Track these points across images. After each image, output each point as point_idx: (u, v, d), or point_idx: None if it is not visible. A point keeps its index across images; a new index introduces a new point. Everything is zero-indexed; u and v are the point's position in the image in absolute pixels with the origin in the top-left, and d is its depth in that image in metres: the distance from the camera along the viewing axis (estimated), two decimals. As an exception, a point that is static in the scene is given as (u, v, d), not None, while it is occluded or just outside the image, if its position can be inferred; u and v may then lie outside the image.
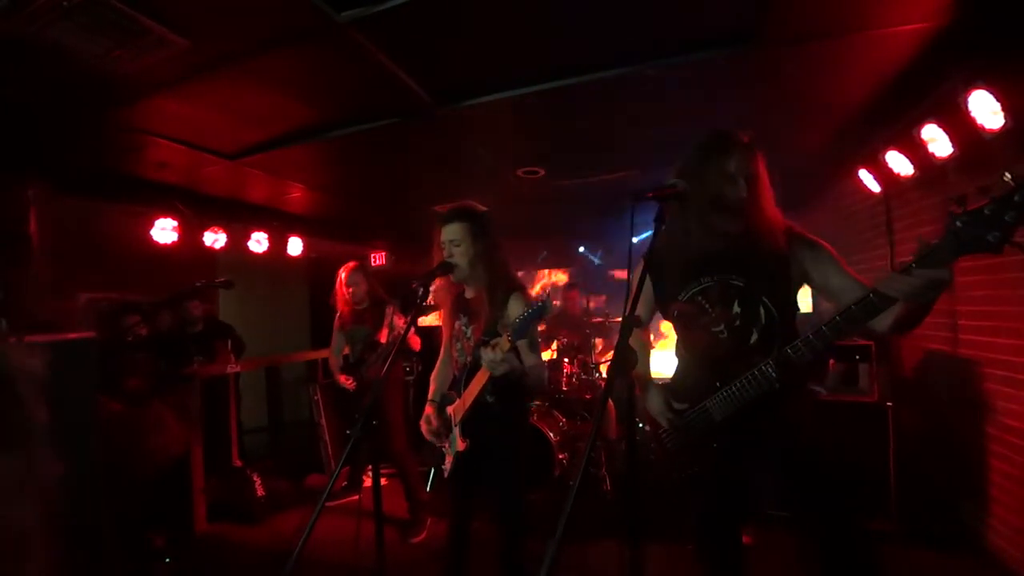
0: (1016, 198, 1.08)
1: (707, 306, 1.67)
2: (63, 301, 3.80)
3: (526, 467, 2.19)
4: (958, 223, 1.16)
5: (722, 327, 1.65)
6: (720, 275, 1.65)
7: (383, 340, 3.77)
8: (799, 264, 1.60)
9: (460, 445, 2.06)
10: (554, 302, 6.04)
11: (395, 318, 3.80)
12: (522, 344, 1.96)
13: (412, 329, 3.75)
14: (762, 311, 1.60)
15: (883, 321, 1.41)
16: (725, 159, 1.60)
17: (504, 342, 1.78)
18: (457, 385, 2.14)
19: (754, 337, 1.61)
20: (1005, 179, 1.10)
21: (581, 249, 6.59)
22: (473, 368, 2.02)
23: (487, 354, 1.80)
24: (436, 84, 2.49)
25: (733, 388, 1.58)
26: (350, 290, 3.75)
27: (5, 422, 0.70)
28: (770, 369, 1.51)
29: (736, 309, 1.63)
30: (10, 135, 2.73)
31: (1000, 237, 1.12)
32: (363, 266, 3.86)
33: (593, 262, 6.58)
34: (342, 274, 3.78)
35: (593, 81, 2.43)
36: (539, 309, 1.75)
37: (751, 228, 1.59)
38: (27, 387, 0.75)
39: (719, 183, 1.57)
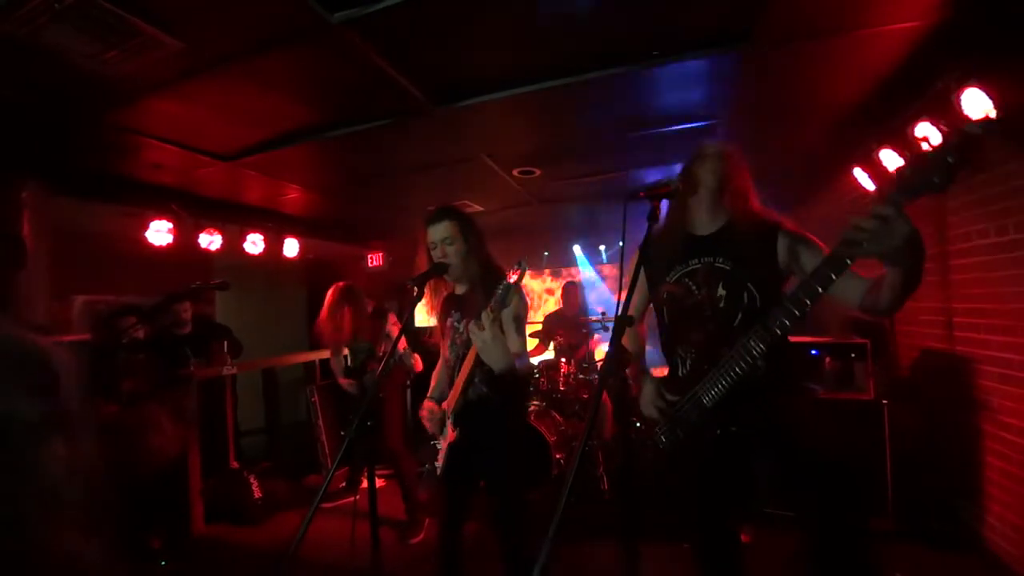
0: (954, 141, 1.19)
1: (693, 287, 1.72)
2: (57, 303, 3.79)
3: (523, 466, 2.19)
4: (906, 172, 1.26)
5: (708, 309, 1.69)
6: (708, 257, 1.72)
7: (383, 352, 3.79)
8: (784, 255, 1.65)
9: (451, 436, 2.06)
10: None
11: (390, 326, 3.81)
12: (508, 326, 1.96)
13: (415, 354, 3.78)
14: (745, 294, 1.65)
15: (855, 294, 1.50)
16: (698, 164, 1.76)
17: (487, 315, 1.79)
18: (450, 379, 2.14)
19: (738, 319, 1.65)
20: (943, 128, 1.24)
21: (577, 248, 6.59)
22: (463, 358, 2.03)
23: (476, 332, 1.81)
24: (431, 84, 2.49)
25: (720, 369, 1.60)
26: (329, 323, 3.75)
27: (60, 411, 0.74)
28: (752, 342, 1.52)
29: (721, 291, 1.68)
30: (3, 136, 2.72)
31: (944, 178, 1.21)
32: (348, 290, 3.83)
33: (600, 259, 6.57)
34: (328, 300, 3.79)
35: (589, 81, 2.43)
36: (515, 280, 1.80)
37: (738, 218, 1.71)
38: (68, 379, 0.77)
39: (699, 182, 1.73)
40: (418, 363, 3.93)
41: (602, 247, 6.68)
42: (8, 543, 0.65)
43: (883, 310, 1.46)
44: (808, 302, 1.44)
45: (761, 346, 1.51)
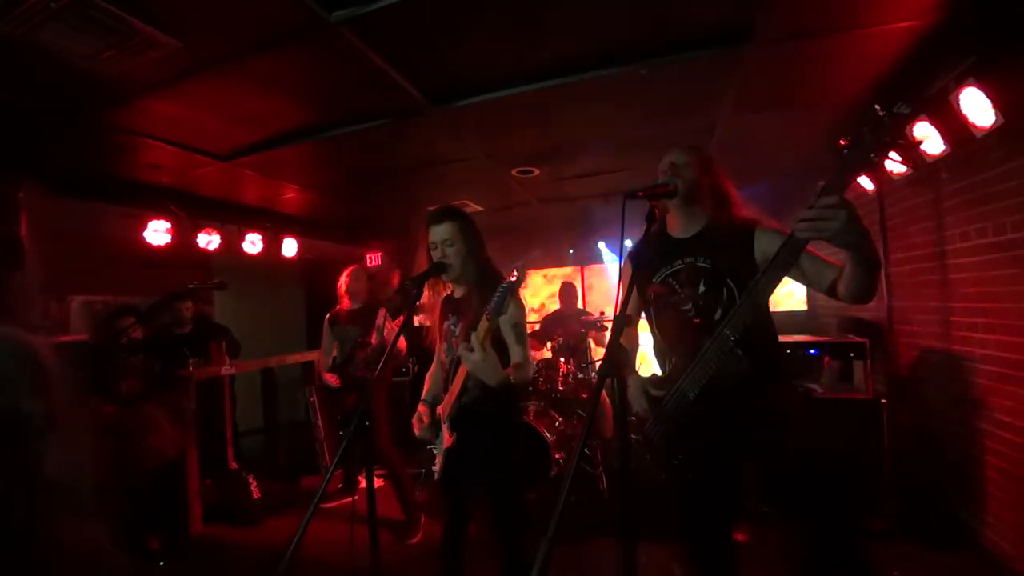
0: (886, 120, 1.28)
1: (677, 286, 1.79)
2: (55, 304, 3.78)
3: (520, 467, 2.19)
4: (845, 151, 1.34)
5: (690, 306, 1.75)
6: (690, 258, 1.79)
7: (372, 342, 3.78)
8: (761, 251, 1.68)
9: (447, 441, 2.05)
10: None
11: (386, 323, 3.81)
12: (508, 335, 1.96)
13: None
14: (725, 291, 1.70)
15: (826, 281, 1.55)
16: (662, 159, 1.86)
17: (483, 323, 1.78)
18: (446, 383, 2.14)
19: (718, 315, 1.69)
20: (876, 110, 1.29)
21: (601, 244, 6.50)
22: (458, 362, 2.02)
23: (465, 355, 1.81)
24: (429, 84, 2.49)
25: (701, 361, 1.64)
26: (347, 283, 3.87)
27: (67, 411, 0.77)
28: (727, 330, 1.56)
29: (701, 288, 1.74)
30: (1, 136, 2.71)
31: (878, 153, 1.32)
32: (364, 267, 3.99)
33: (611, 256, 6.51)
34: (345, 274, 3.91)
35: (588, 80, 2.43)
36: (511, 284, 1.77)
37: (716, 219, 1.80)
38: (61, 376, 0.80)
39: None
40: (402, 344, 3.95)
41: (571, 250, 6.70)
42: (16, 533, 0.66)
43: (853, 293, 1.49)
44: (772, 285, 1.51)
45: (735, 335, 1.55)
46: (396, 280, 3.95)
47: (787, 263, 1.46)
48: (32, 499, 0.70)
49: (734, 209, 1.81)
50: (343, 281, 3.92)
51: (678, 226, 1.86)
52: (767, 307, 1.71)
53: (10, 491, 0.65)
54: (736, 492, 1.79)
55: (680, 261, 1.80)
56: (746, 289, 1.58)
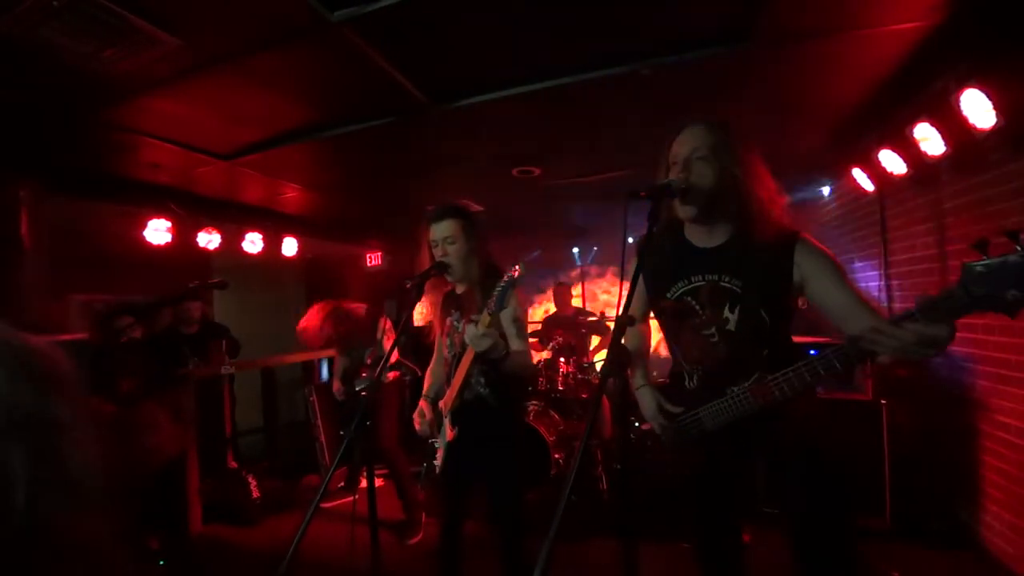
0: None
1: (697, 307, 1.57)
2: (55, 303, 3.78)
3: (522, 465, 2.19)
4: (973, 272, 1.03)
5: (712, 331, 1.55)
6: (712, 275, 1.54)
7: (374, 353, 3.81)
8: (799, 272, 1.47)
9: (449, 435, 2.06)
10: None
11: (386, 334, 3.80)
12: (509, 329, 1.95)
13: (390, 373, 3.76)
14: (755, 317, 1.49)
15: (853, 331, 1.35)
16: (671, 143, 1.59)
17: (484, 316, 1.78)
18: (448, 378, 2.14)
19: (747, 344, 1.52)
20: None
21: (575, 250, 6.61)
22: (460, 357, 2.03)
23: (469, 329, 1.80)
24: (431, 83, 2.49)
25: (723, 403, 1.52)
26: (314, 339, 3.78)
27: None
28: (759, 401, 1.45)
29: (727, 313, 1.51)
30: (1, 136, 2.71)
31: (1020, 296, 0.96)
32: (334, 311, 3.80)
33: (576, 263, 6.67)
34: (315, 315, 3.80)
35: (589, 80, 2.43)
36: (513, 279, 1.77)
37: (748, 228, 1.50)
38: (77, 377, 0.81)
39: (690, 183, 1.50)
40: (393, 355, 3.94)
41: (592, 251, 6.76)
42: (35, 530, 0.67)
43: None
44: (821, 378, 1.35)
45: (757, 399, 1.44)
46: (361, 312, 3.83)
47: (851, 360, 1.27)
48: (56, 498, 0.71)
49: (768, 214, 1.49)
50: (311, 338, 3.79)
51: (698, 231, 1.60)
52: (790, 326, 1.59)
53: (37, 491, 0.66)
54: (743, 491, 1.77)
55: (701, 277, 1.56)
56: (787, 318, 1.46)
